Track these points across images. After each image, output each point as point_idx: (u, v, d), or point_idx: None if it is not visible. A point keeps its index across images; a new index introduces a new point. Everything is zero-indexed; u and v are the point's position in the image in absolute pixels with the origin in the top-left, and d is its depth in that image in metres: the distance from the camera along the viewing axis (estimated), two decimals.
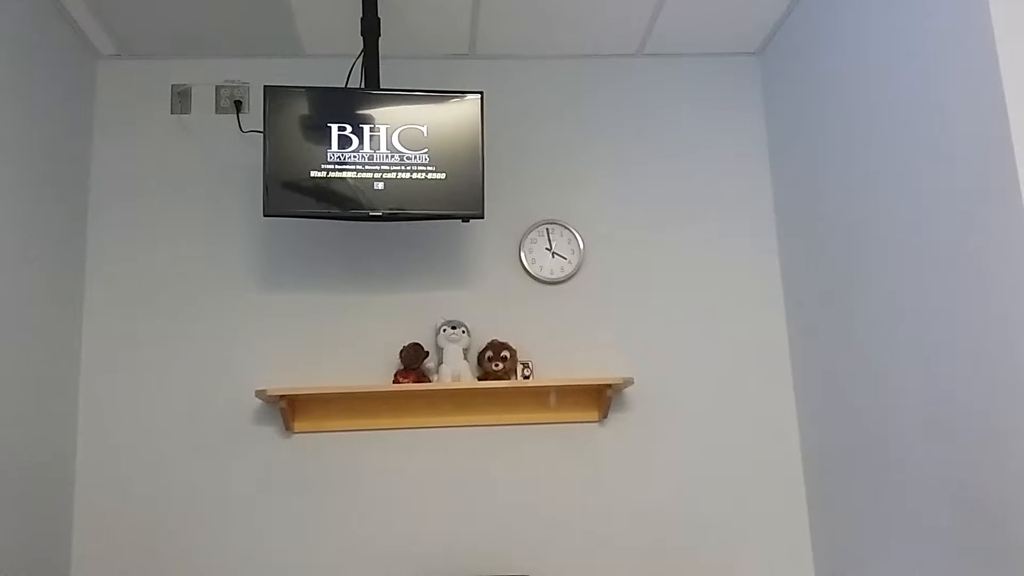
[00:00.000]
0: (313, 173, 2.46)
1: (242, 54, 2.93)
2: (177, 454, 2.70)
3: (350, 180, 2.47)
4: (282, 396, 2.60)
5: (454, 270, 2.87)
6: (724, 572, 2.73)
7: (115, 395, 2.72)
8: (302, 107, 2.47)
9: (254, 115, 2.88)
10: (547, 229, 2.90)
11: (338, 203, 2.46)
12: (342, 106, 2.49)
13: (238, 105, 2.90)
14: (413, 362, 2.68)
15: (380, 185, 2.48)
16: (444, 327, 2.72)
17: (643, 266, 2.91)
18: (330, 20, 2.73)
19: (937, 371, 2.02)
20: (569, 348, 2.84)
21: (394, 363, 2.76)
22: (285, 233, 2.85)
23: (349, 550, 2.68)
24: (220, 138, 2.89)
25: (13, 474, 2.30)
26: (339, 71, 2.81)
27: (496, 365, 2.69)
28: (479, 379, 2.72)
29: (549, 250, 2.89)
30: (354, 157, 2.48)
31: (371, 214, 2.48)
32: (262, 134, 2.52)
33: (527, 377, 2.73)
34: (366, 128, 2.49)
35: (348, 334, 2.80)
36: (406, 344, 2.72)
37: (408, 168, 2.49)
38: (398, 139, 2.50)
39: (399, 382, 2.67)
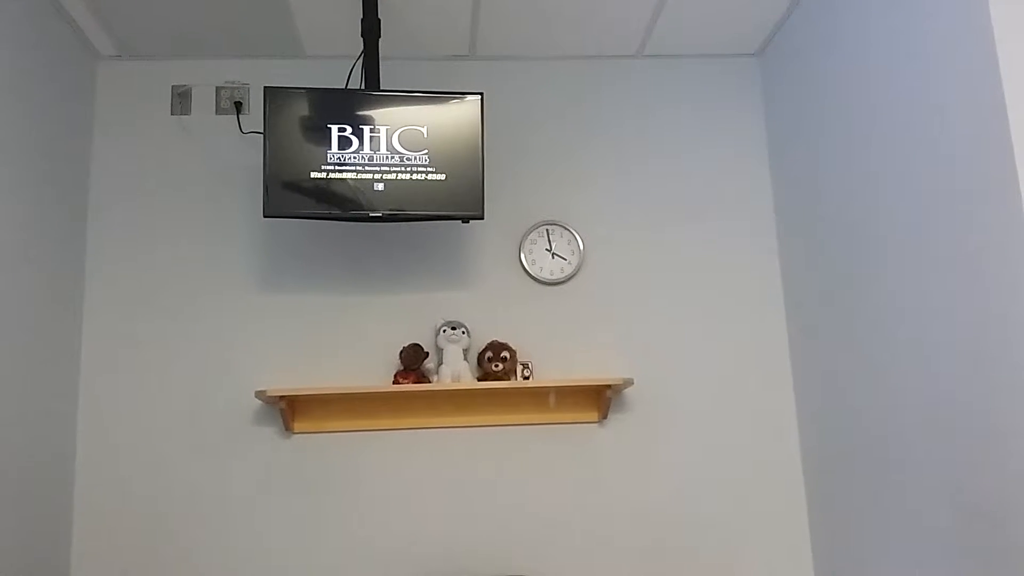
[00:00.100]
0: (313, 174, 2.46)
1: (242, 55, 2.93)
2: (177, 454, 2.70)
3: (350, 181, 2.47)
4: (282, 397, 2.60)
5: (454, 271, 2.87)
6: (724, 572, 2.73)
7: (115, 395, 2.72)
8: (302, 108, 2.48)
9: (254, 116, 2.88)
10: (547, 230, 2.90)
11: (338, 204, 2.46)
12: (342, 107, 2.49)
13: (238, 106, 2.90)
14: (413, 363, 2.68)
15: (380, 186, 2.48)
16: (444, 328, 2.72)
17: (643, 267, 2.91)
18: (330, 21, 2.74)
19: (937, 371, 2.03)
20: (569, 349, 2.84)
21: (394, 364, 2.76)
22: (285, 234, 2.85)
23: (349, 550, 2.68)
24: (220, 139, 2.90)
25: (13, 474, 2.30)
26: (339, 72, 2.81)
27: (496, 366, 2.69)
28: (479, 380, 2.72)
29: (549, 251, 2.89)
30: (354, 158, 2.48)
31: (371, 215, 2.48)
32: (262, 135, 2.52)
33: (527, 378, 2.73)
34: (366, 129, 2.49)
35: (348, 335, 2.80)
36: (406, 345, 2.72)
37: (408, 169, 2.50)
38: (398, 140, 2.50)
39: (399, 383, 2.67)
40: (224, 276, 2.82)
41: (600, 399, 2.77)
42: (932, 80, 2.01)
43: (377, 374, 2.77)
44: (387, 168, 2.49)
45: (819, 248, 2.64)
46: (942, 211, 1.98)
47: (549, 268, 2.88)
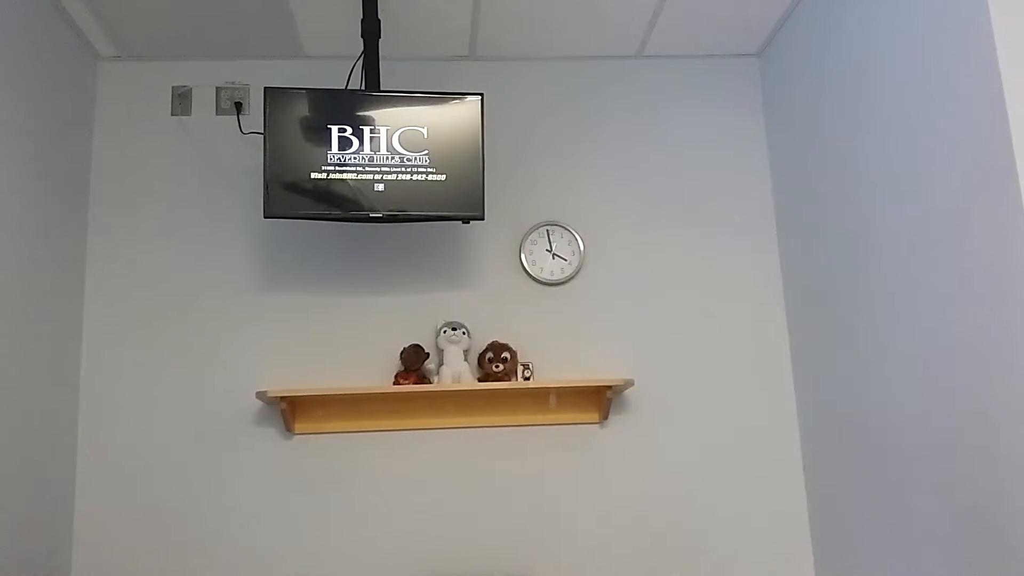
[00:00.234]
0: (313, 175, 2.46)
1: (242, 56, 2.93)
2: (178, 455, 2.70)
3: (350, 182, 2.47)
4: (283, 397, 2.60)
5: (454, 272, 2.87)
6: (724, 572, 2.73)
7: (115, 396, 2.72)
8: (302, 109, 2.48)
9: (254, 117, 2.88)
10: (547, 230, 2.90)
11: (338, 204, 2.47)
12: (342, 108, 2.49)
13: (238, 107, 2.90)
14: (413, 363, 2.68)
15: (380, 187, 2.48)
16: (444, 328, 2.72)
17: (643, 267, 2.91)
18: (330, 22, 2.74)
19: (936, 370, 2.03)
20: (569, 349, 2.84)
21: (394, 364, 2.76)
22: (285, 234, 2.85)
23: (349, 551, 2.68)
24: (220, 140, 2.90)
25: (14, 475, 2.30)
26: (339, 73, 2.81)
27: (496, 366, 2.69)
28: (479, 380, 2.72)
29: (549, 251, 2.89)
30: (354, 159, 2.48)
31: (371, 215, 2.48)
32: (262, 135, 2.52)
33: (527, 378, 2.73)
34: (366, 130, 2.49)
35: (349, 335, 2.80)
36: (406, 346, 2.72)
37: (408, 170, 2.50)
38: (398, 141, 2.50)
39: (399, 383, 2.67)
40: (225, 277, 2.82)
41: (601, 400, 2.77)
42: (932, 80, 2.01)
43: (378, 375, 2.77)
44: (387, 169, 2.49)
45: (819, 248, 2.65)
46: (941, 211, 1.98)
47: (549, 268, 2.88)
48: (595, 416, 2.80)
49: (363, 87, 2.59)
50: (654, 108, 3.02)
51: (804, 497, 2.80)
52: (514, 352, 2.74)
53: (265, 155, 2.45)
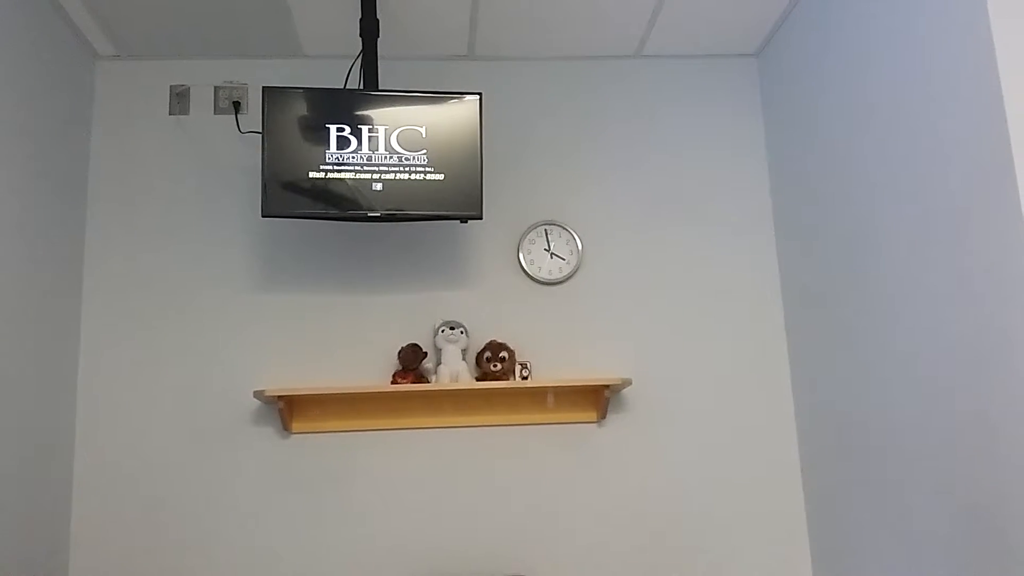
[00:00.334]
0: (312, 174, 2.46)
1: (240, 55, 2.93)
2: (175, 454, 2.70)
3: (349, 181, 2.47)
4: (280, 396, 2.60)
5: (452, 271, 2.87)
6: (723, 572, 2.73)
7: (113, 395, 2.72)
8: (301, 108, 2.47)
9: (253, 116, 2.88)
10: (545, 230, 2.90)
11: (336, 204, 2.46)
12: (341, 107, 2.49)
13: (236, 106, 2.90)
14: (411, 363, 2.68)
15: (378, 186, 2.48)
16: (442, 328, 2.72)
17: (641, 267, 2.91)
18: (329, 21, 2.74)
19: (934, 370, 2.03)
20: (567, 349, 2.84)
21: (392, 364, 2.76)
22: (284, 234, 2.85)
23: (347, 550, 2.68)
24: (218, 139, 2.89)
25: (11, 475, 2.30)
26: (338, 72, 2.81)
27: (494, 366, 2.69)
28: (477, 380, 2.72)
29: (547, 251, 2.89)
30: (353, 158, 2.48)
31: (369, 215, 2.48)
32: (261, 135, 2.52)
33: (525, 378, 2.73)
34: (365, 129, 2.49)
35: (346, 334, 2.80)
36: (404, 345, 2.72)
37: (407, 169, 2.49)
38: (397, 140, 2.50)
39: (397, 383, 2.67)
40: (222, 276, 2.81)
41: (598, 399, 2.77)
42: (931, 81, 2.01)
43: (375, 374, 2.77)
44: (385, 168, 2.49)
45: (817, 248, 2.65)
46: (940, 211, 1.98)
47: (548, 268, 2.88)
48: (593, 415, 2.80)
49: (361, 86, 2.59)
50: (653, 108, 3.02)
51: (802, 497, 2.80)
52: (512, 351, 2.74)
53: (263, 154, 2.45)
